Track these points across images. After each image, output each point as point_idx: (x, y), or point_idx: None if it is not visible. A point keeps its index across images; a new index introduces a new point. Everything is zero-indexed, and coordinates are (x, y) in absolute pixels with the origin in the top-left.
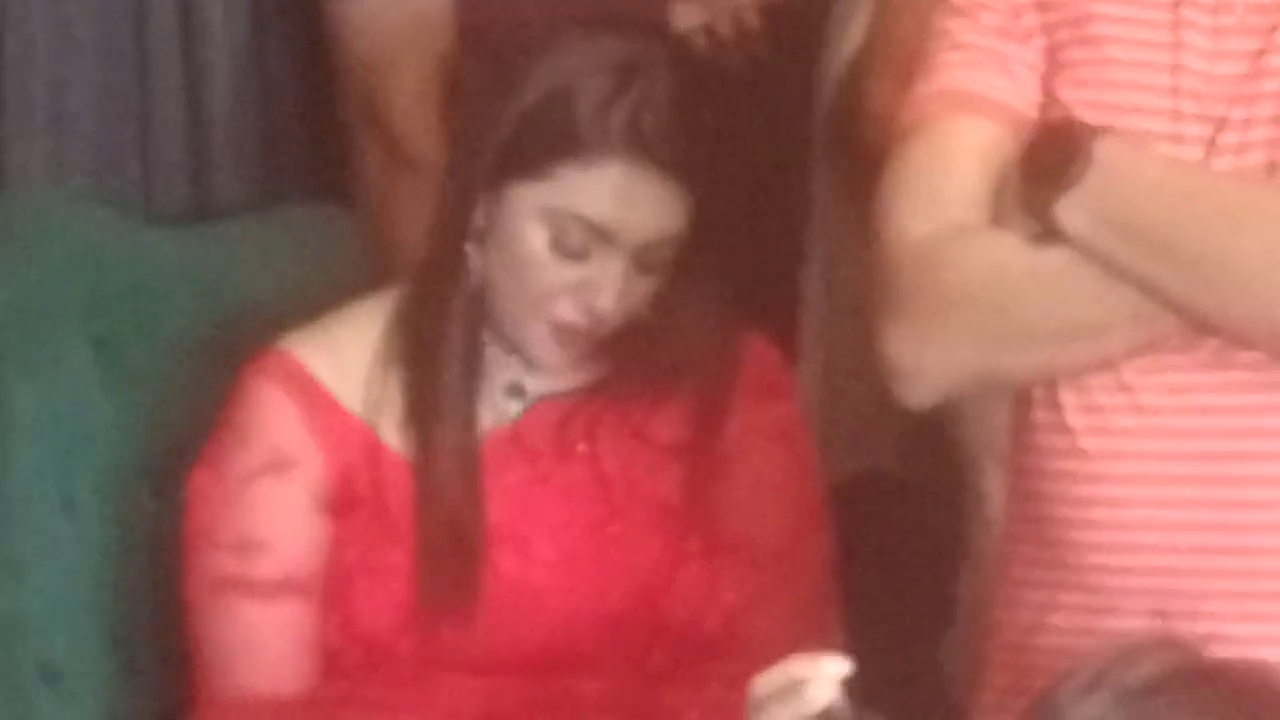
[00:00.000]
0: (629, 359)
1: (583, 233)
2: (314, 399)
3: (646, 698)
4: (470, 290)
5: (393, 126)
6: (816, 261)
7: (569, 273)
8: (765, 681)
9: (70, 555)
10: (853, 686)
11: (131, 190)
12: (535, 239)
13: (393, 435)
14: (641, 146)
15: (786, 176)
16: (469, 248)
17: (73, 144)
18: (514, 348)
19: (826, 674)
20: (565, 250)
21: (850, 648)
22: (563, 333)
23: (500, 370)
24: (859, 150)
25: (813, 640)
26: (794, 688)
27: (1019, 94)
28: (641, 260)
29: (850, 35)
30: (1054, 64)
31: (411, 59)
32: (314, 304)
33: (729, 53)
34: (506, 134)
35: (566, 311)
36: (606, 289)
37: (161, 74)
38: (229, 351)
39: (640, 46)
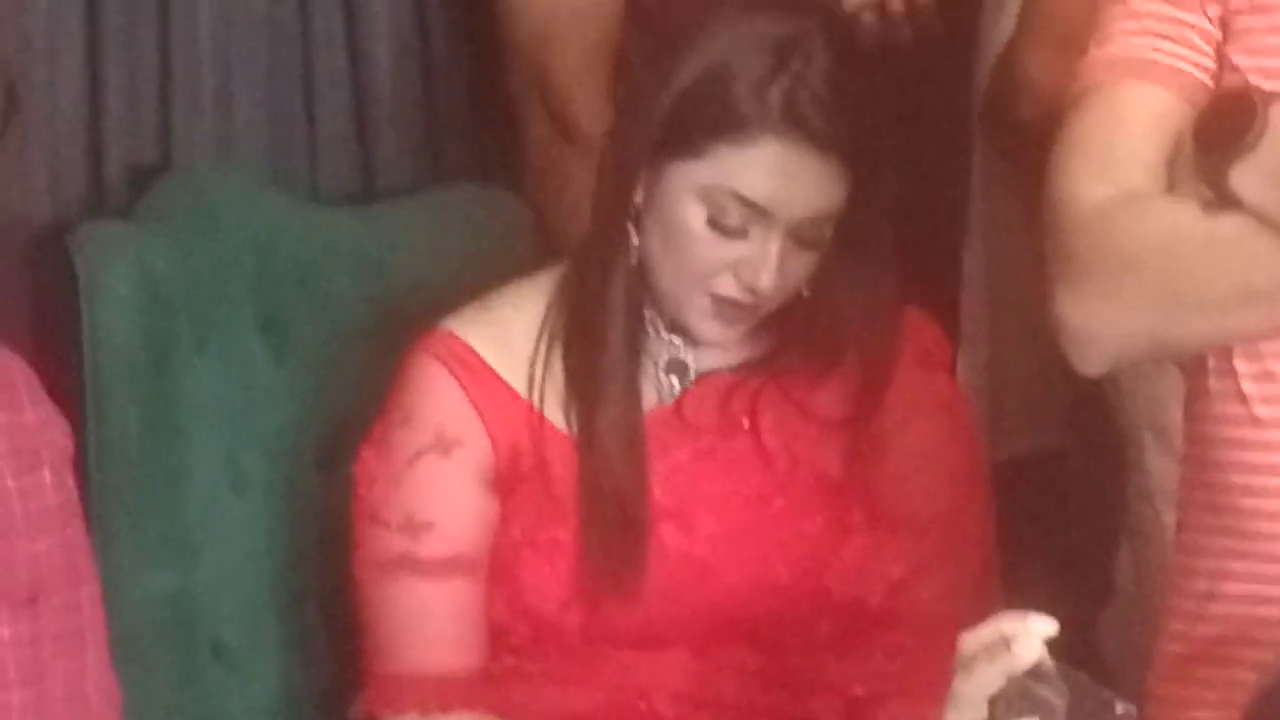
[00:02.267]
0: (791, 334)
1: (740, 211)
2: (479, 378)
3: (811, 670)
4: (631, 268)
5: (558, 102)
6: (978, 239)
7: (728, 250)
8: (974, 639)
9: (241, 534)
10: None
11: (298, 171)
12: (694, 217)
13: (556, 412)
14: (798, 124)
15: (947, 152)
16: (629, 226)
17: (239, 126)
18: (676, 324)
19: (1034, 632)
20: (723, 229)
21: None
22: (723, 307)
23: (662, 347)
24: (1019, 126)
25: (976, 612)
26: (1002, 645)
27: (1193, 61)
28: (800, 237)
29: (1008, 11)
30: (1228, 31)
31: (577, 34)
32: (478, 283)
33: (899, 28)
34: (665, 112)
35: (727, 287)
36: (765, 267)
37: (326, 54)
38: (395, 331)
39: (798, 24)
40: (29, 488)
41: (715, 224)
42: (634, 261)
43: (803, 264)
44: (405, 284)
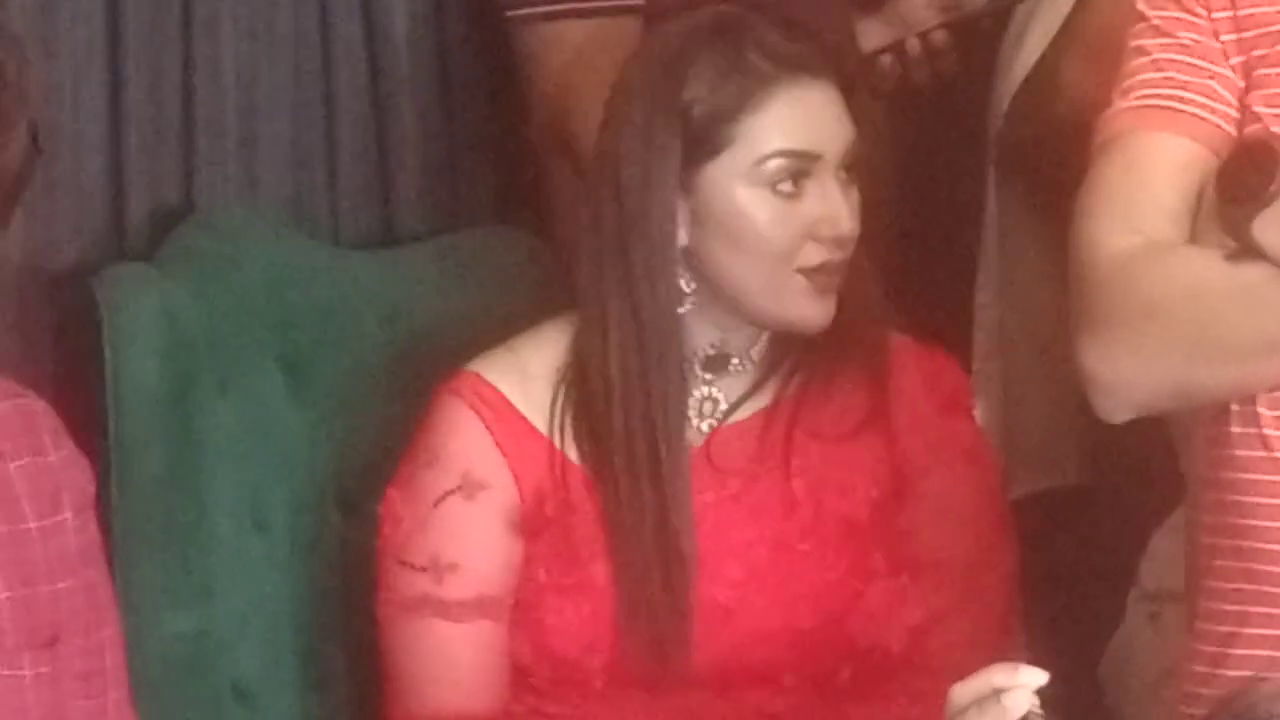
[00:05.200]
0: (804, 358)
1: (791, 167)
2: (505, 420)
3: (833, 716)
4: (680, 315)
5: (581, 150)
6: (991, 279)
7: (795, 217)
8: (965, 689)
9: (262, 574)
10: (1046, 697)
11: (320, 214)
12: (750, 200)
13: (577, 456)
14: (793, 64)
15: (961, 194)
16: (681, 269)
17: (262, 168)
18: (773, 326)
19: (1024, 683)
20: (782, 193)
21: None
22: (817, 277)
23: (691, 389)
24: (1035, 168)
25: (998, 658)
26: (993, 696)
27: (1216, 111)
28: (842, 177)
29: (1026, 53)
30: (1250, 81)
31: (597, 80)
32: (499, 325)
33: (918, 70)
34: (679, 131)
35: (812, 255)
36: (840, 211)
37: (349, 98)
38: (416, 373)
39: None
40: (51, 529)
41: (776, 192)
42: (685, 308)
43: (854, 203)
44: (425, 326)
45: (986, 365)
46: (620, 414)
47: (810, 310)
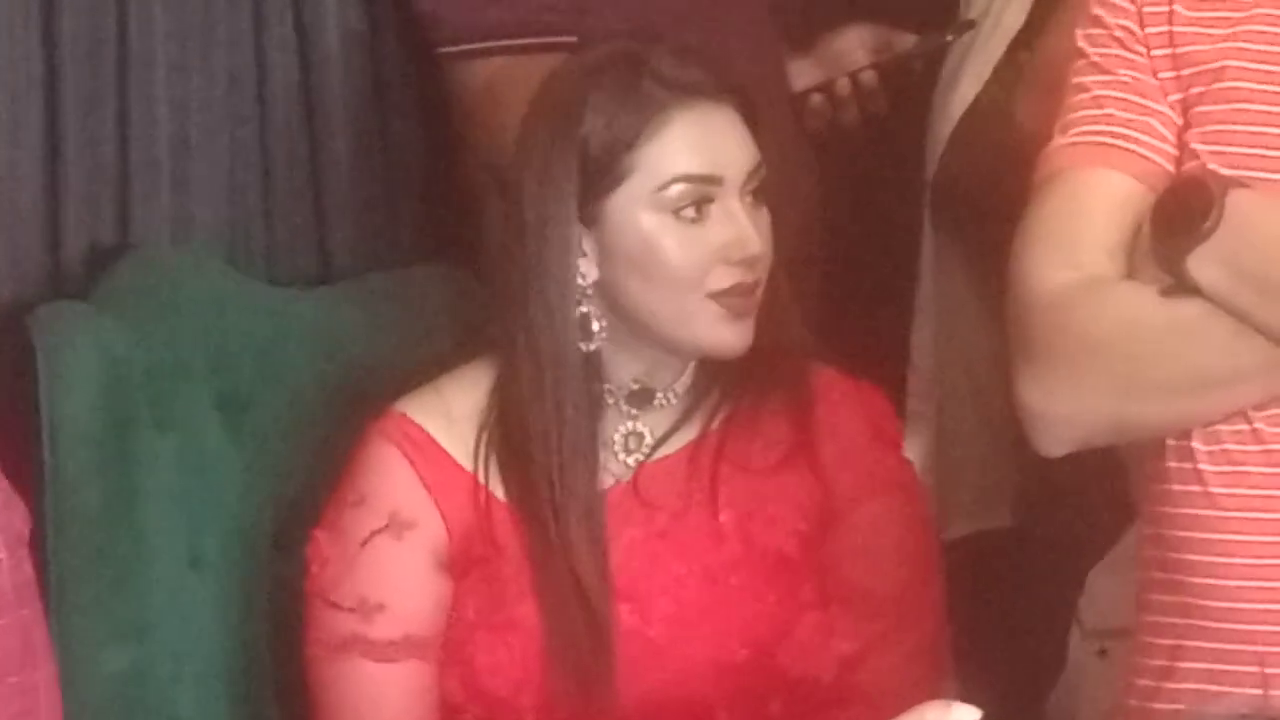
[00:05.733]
0: (730, 390)
1: (691, 192)
2: (432, 460)
3: None
4: (589, 353)
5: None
6: (926, 319)
7: (702, 241)
8: None
9: (198, 613)
10: None
11: (256, 252)
12: (654, 226)
13: (503, 495)
14: (688, 89)
15: (896, 234)
16: (587, 307)
17: (198, 206)
18: (689, 355)
19: None
20: (687, 216)
21: (966, 699)
22: (730, 301)
23: (619, 421)
24: (970, 208)
25: (928, 689)
26: None
27: (1154, 148)
28: (750, 196)
29: (960, 94)
30: (1188, 118)
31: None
32: (436, 363)
33: (846, 111)
34: (577, 165)
35: (722, 278)
36: (745, 233)
37: (284, 136)
38: (353, 411)
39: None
40: None
41: (678, 217)
42: (593, 347)
43: (764, 229)
44: (362, 364)
45: (921, 405)
46: (533, 451)
47: (725, 335)
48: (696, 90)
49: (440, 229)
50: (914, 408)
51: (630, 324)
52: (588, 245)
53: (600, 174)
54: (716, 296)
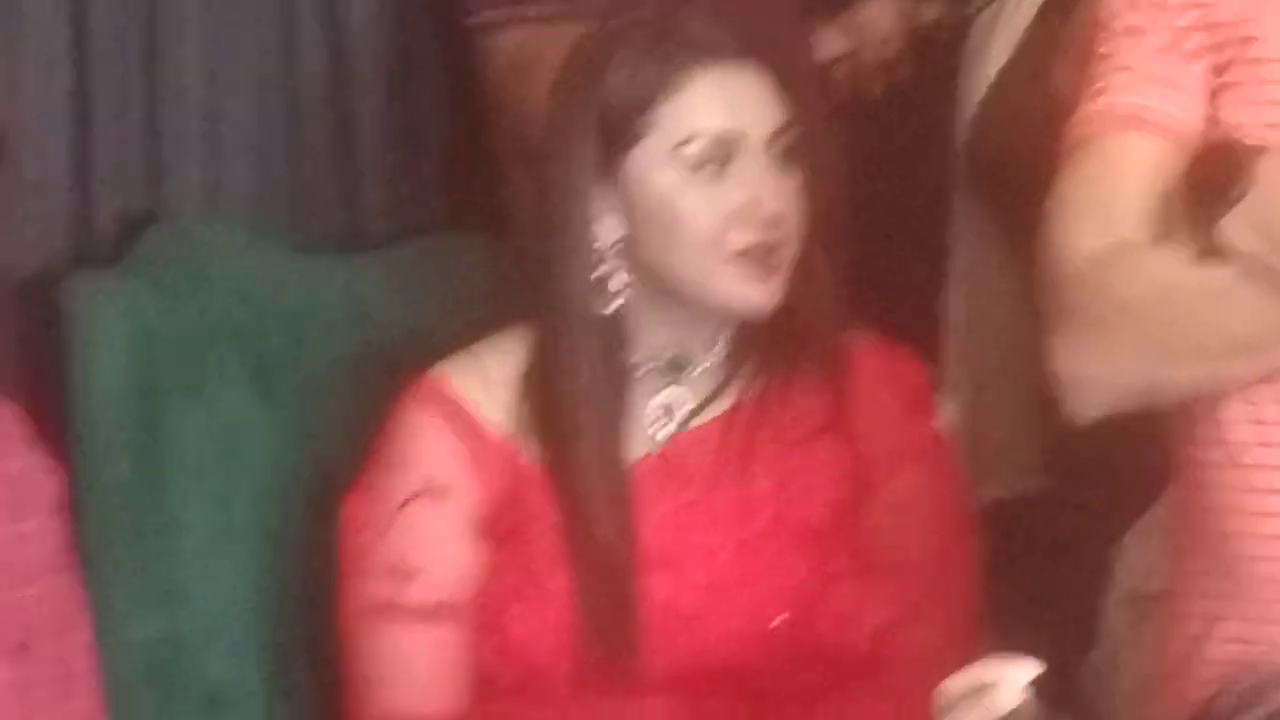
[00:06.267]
0: (763, 359)
1: (711, 148)
2: (469, 426)
3: (800, 716)
4: (605, 317)
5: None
6: (959, 284)
7: (721, 199)
8: (955, 683)
9: (231, 580)
10: (1039, 689)
11: (284, 220)
12: (672, 182)
13: (539, 462)
14: (714, 49)
15: (927, 199)
16: (610, 266)
17: (227, 176)
18: (718, 311)
19: (1016, 677)
20: (707, 171)
21: None
22: (750, 262)
23: (650, 394)
24: (1000, 176)
25: (961, 656)
26: (984, 690)
27: (1184, 113)
28: (775, 155)
29: (990, 62)
30: (1218, 84)
31: None
32: (463, 329)
33: (872, 79)
34: (597, 120)
35: (741, 237)
36: (765, 191)
37: (313, 104)
38: (382, 377)
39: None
40: (20, 535)
41: (697, 170)
42: (609, 307)
43: (791, 192)
44: (391, 331)
45: (956, 370)
46: (558, 416)
47: (749, 293)
48: (719, 49)
49: (468, 197)
50: (950, 372)
51: (658, 284)
52: (612, 203)
53: (621, 130)
54: (738, 255)
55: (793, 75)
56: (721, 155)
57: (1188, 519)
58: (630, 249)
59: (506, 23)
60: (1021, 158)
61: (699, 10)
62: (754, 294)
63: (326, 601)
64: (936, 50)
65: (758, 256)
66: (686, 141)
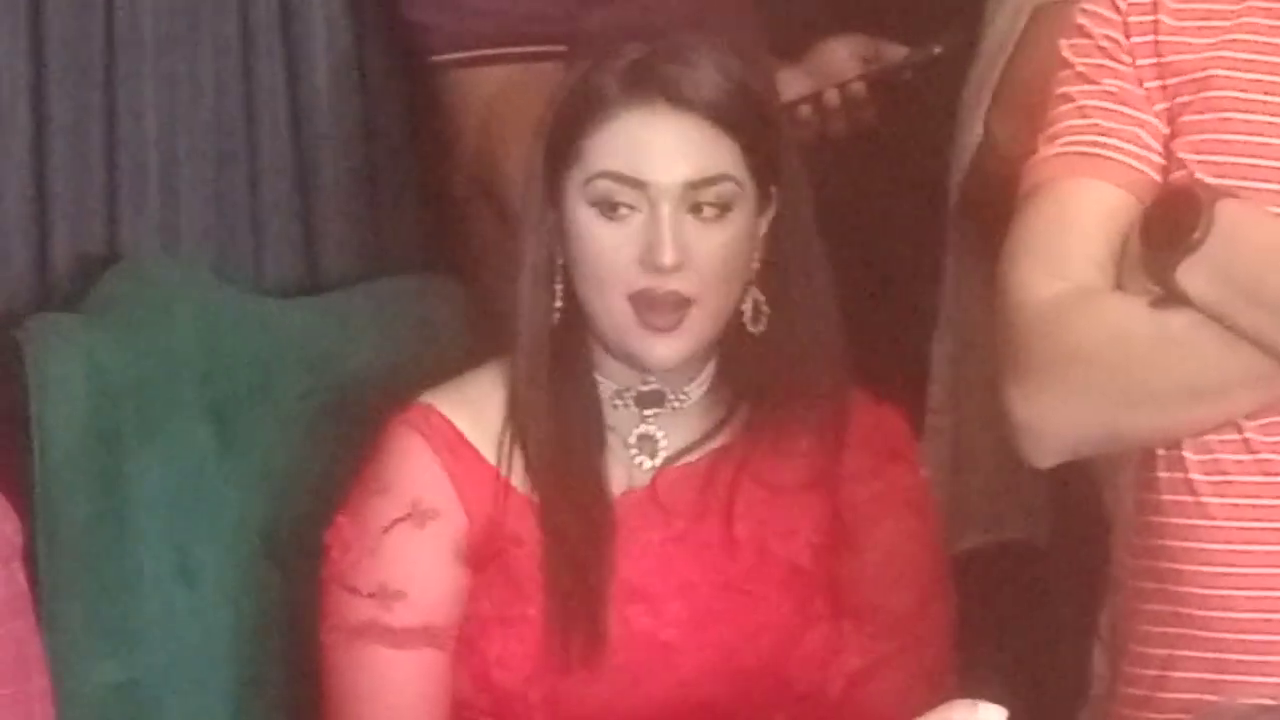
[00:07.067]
0: (752, 404)
1: (619, 191)
2: (456, 451)
3: None
4: (554, 326)
5: (506, 195)
6: (948, 329)
7: (627, 240)
8: None
9: (190, 624)
10: None
11: (244, 262)
12: (584, 214)
13: (525, 488)
14: (649, 89)
15: (919, 243)
16: (558, 281)
17: (185, 217)
18: (624, 360)
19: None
20: (609, 213)
21: None
22: (643, 308)
23: (631, 422)
24: (993, 222)
25: (932, 706)
26: None
27: (1141, 157)
28: (696, 207)
29: (985, 101)
30: (1175, 127)
31: (520, 125)
32: (425, 373)
33: (835, 121)
34: (548, 137)
35: (637, 278)
36: (661, 239)
37: (271, 145)
38: (342, 420)
39: (674, 34)
40: None
41: (603, 213)
42: (555, 319)
43: (711, 244)
44: (351, 374)
45: (939, 418)
46: (539, 442)
47: (646, 346)
48: (654, 93)
49: (428, 239)
50: (932, 420)
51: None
52: (556, 227)
53: (558, 156)
54: (633, 300)
55: (750, 139)
56: (624, 198)
57: (1144, 562)
58: (566, 276)
59: (466, 62)
60: (1012, 205)
61: (663, 48)
62: (651, 348)
63: (286, 645)
64: (899, 93)
65: (648, 304)
66: (594, 179)
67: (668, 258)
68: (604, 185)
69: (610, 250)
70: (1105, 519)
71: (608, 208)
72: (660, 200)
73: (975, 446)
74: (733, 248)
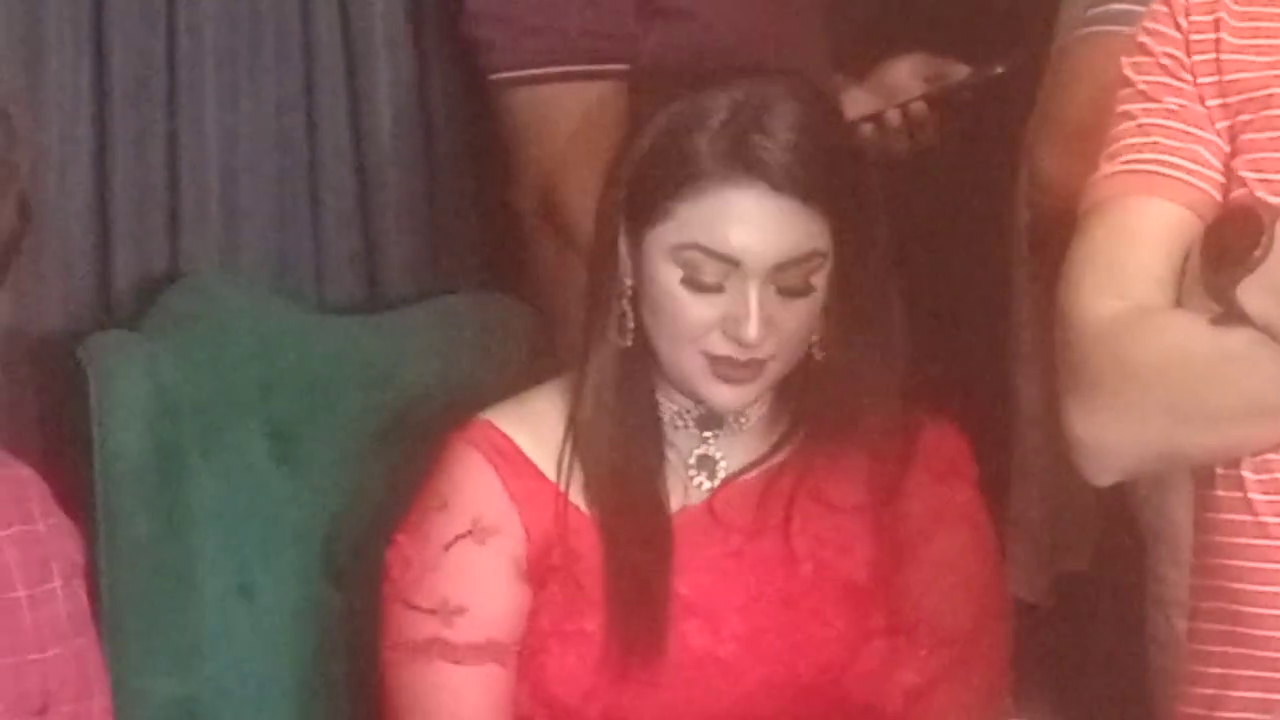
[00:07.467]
0: (811, 413)
1: (711, 265)
2: (516, 468)
3: None
4: (626, 349)
5: (568, 216)
6: (1033, 366)
7: (709, 307)
8: None
9: (249, 641)
10: None
11: (304, 280)
12: (670, 279)
13: (585, 504)
14: (751, 168)
15: (989, 267)
16: (624, 305)
17: (246, 236)
18: (689, 397)
19: None
20: (699, 285)
21: None
22: (720, 366)
23: (691, 443)
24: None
25: None
26: None
27: (1202, 175)
28: (782, 285)
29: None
30: (1236, 145)
31: (586, 148)
32: (485, 389)
33: (897, 140)
34: (629, 180)
35: (717, 344)
36: (749, 317)
37: (333, 164)
38: (402, 438)
39: (756, 84)
40: (40, 597)
41: (690, 282)
42: (628, 342)
43: (794, 314)
44: (411, 391)
45: (1027, 461)
46: (598, 460)
47: (717, 393)
48: (767, 178)
49: (488, 257)
50: (1021, 460)
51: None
52: (630, 259)
53: (641, 208)
54: (709, 357)
55: (839, 212)
56: (719, 273)
57: (1202, 581)
58: (635, 305)
59: (527, 80)
60: (1054, 205)
61: (762, 121)
62: (719, 394)
63: (345, 661)
64: (962, 113)
65: (727, 366)
66: (685, 248)
67: (753, 334)
68: (694, 257)
69: (693, 314)
70: (1140, 539)
71: (695, 278)
72: (749, 278)
73: (1070, 484)
74: (813, 309)
